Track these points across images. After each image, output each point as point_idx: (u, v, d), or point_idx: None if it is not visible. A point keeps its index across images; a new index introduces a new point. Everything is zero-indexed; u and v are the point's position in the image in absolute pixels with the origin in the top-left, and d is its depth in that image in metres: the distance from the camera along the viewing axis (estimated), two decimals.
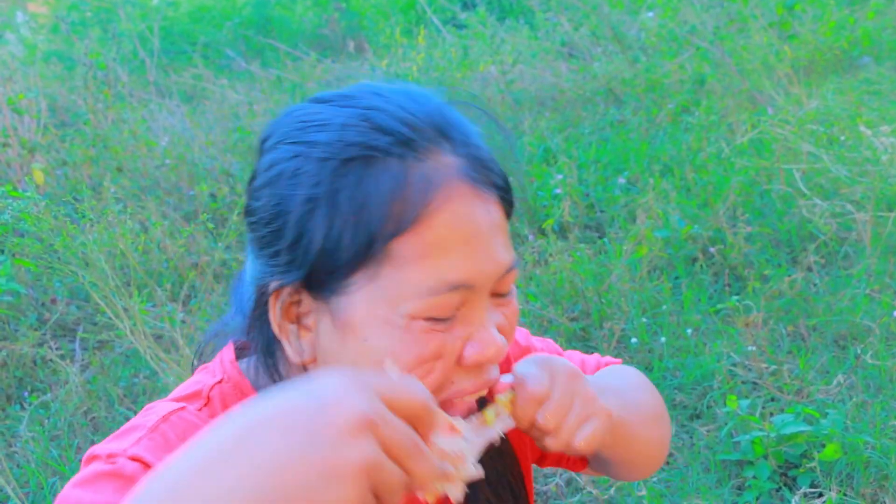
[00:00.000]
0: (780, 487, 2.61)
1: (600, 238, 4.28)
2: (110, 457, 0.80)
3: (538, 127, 5.68)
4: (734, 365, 3.14)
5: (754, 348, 3.13)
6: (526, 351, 1.12)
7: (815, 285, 3.60)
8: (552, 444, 0.88)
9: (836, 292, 3.46)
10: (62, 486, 0.84)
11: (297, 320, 0.84)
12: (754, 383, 3.07)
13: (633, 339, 3.39)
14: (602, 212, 4.56)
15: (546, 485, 2.72)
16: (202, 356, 1.02)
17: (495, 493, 1.02)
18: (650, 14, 6.84)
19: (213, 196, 5.07)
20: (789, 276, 3.57)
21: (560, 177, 4.54)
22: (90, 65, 6.03)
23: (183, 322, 3.41)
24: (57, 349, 3.72)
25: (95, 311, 3.55)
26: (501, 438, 1.04)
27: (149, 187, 5.37)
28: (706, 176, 4.47)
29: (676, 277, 3.85)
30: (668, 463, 2.79)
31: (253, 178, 0.88)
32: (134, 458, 0.80)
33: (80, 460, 1.89)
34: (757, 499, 2.57)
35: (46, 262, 3.09)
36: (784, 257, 3.90)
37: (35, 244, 3.05)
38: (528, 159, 5.15)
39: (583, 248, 3.95)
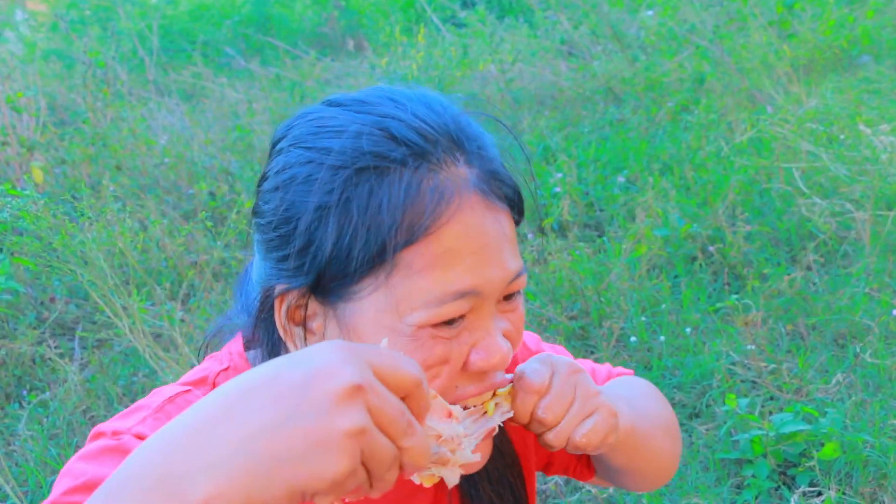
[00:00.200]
0: (779, 486, 2.61)
1: (599, 237, 4.28)
2: (115, 433, 0.83)
3: (537, 126, 5.68)
4: (733, 364, 3.14)
5: (753, 347, 3.13)
6: (534, 354, 1.12)
7: (814, 284, 3.60)
8: (553, 439, 0.88)
9: (836, 291, 3.46)
10: None
11: (303, 323, 0.85)
12: (753, 382, 3.07)
13: (633, 338, 3.39)
14: (601, 210, 4.56)
15: (545, 483, 2.72)
16: (207, 350, 1.03)
17: (496, 492, 1.02)
18: (650, 12, 6.83)
19: (212, 194, 5.07)
20: (788, 274, 3.57)
21: (559, 175, 4.54)
22: (89, 63, 6.02)
23: (182, 321, 3.40)
24: (56, 348, 3.72)
25: (94, 309, 3.55)
26: (503, 439, 1.04)
27: (148, 186, 5.37)
28: (705, 175, 4.47)
29: (676, 276, 3.85)
30: None
31: (263, 179, 0.88)
32: (138, 437, 0.82)
33: None
34: (756, 497, 2.57)
35: (45, 260, 3.08)
36: (783, 256, 3.90)
37: (34, 243, 3.04)
38: (526, 158, 5.14)
39: (582, 247, 3.95)
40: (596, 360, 3.24)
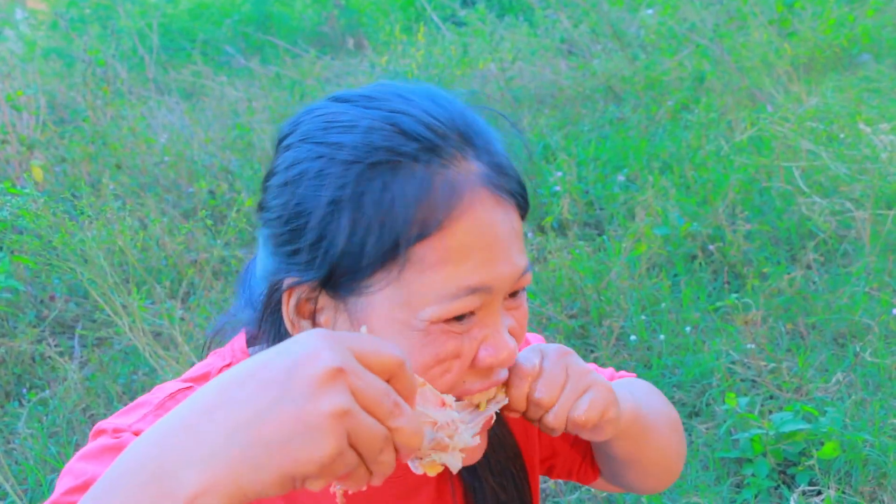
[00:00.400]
0: (779, 485, 2.61)
1: (599, 235, 4.28)
2: (116, 431, 0.83)
3: (537, 124, 5.68)
4: (733, 363, 3.14)
5: (753, 346, 3.13)
6: None
7: (814, 283, 3.60)
8: (553, 420, 0.89)
9: (836, 290, 3.46)
10: None
11: (311, 317, 0.85)
12: (753, 381, 3.07)
13: (632, 337, 3.39)
14: (601, 209, 4.56)
15: (545, 483, 2.72)
16: (210, 347, 1.03)
17: (499, 483, 1.03)
18: (650, 11, 6.83)
19: (211, 193, 5.07)
20: (788, 273, 3.57)
21: (559, 174, 4.53)
22: (89, 61, 6.02)
23: (182, 319, 3.41)
24: (56, 346, 3.72)
25: (94, 308, 3.55)
26: (504, 432, 1.05)
27: (148, 184, 5.37)
28: (705, 173, 4.46)
29: (675, 275, 3.85)
30: None
31: (271, 175, 0.88)
32: (139, 434, 0.81)
33: None
34: (755, 496, 2.57)
35: (45, 258, 3.08)
36: (783, 255, 3.90)
37: (34, 241, 3.04)
38: (527, 157, 5.14)
39: (582, 246, 3.95)
40: (596, 360, 3.25)
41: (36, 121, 5.64)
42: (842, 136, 4.45)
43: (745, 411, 2.72)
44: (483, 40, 6.88)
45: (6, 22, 10.88)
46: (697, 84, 6.02)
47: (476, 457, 0.87)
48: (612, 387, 0.92)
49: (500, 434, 1.03)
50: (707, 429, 2.90)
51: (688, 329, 3.39)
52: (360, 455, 0.62)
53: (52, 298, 4.18)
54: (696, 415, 3.04)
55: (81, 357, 3.79)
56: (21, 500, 2.74)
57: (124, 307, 3.13)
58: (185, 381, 0.93)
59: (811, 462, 2.53)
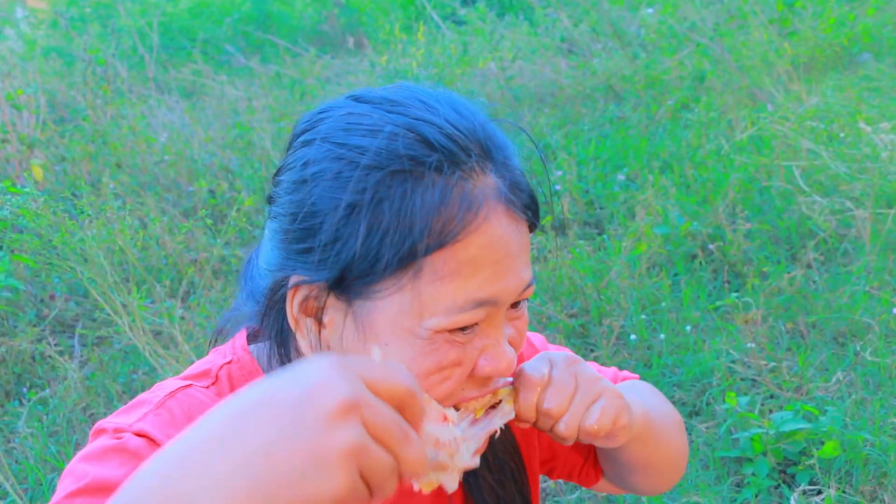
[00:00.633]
0: (779, 484, 2.61)
1: (599, 235, 4.28)
2: (117, 431, 0.83)
3: (537, 123, 5.68)
4: (733, 362, 3.14)
5: (753, 345, 3.13)
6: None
7: (814, 282, 3.60)
8: (564, 430, 0.89)
9: (836, 289, 3.46)
10: None
11: (315, 315, 0.85)
12: (753, 380, 3.07)
13: (632, 336, 3.38)
14: (601, 208, 4.56)
15: (545, 482, 2.72)
16: (215, 343, 1.03)
17: (498, 480, 1.03)
18: (650, 10, 6.83)
19: (211, 192, 5.06)
20: (788, 272, 3.57)
21: (559, 173, 4.53)
22: (89, 61, 6.02)
23: (182, 318, 3.41)
24: (56, 345, 3.72)
25: (94, 307, 3.55)
26: (503, 430, 1.05)
27: (148, 183, 5.37)
28: (706, 173, 4.46)
29: (675, 274, 3.85)
30: None
31: (284, 169, 0.88)
32: (139, 434, 0.83)
33: None
34: (756, 496, 2.57)
35: (45, 258, 3.08)
36: (783, 254, 3.90)
37: (34, 240, 3.04)
38: (528, 156, 5.14)
39: (582, 245, 3.95)
40: (596, 359, 3.25)
41: (36, 120, 5.64)
42: (842, 135, 4.45)
43: (746, 410, 2.72)
44: (483, 39, 6.87)
45: (6, 21, 10.88)
46: (698, 83, 6.02)
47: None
48: (622, 393, 0.92)
49: (499, 431, 1.04)
50: (707, 428, 2.90)
51: (688, 328, 3.39)
52: (367, 484, 0.62)
53: (52, 297, 4.18)
54: (697, 414, 3.03)
55: (81, 356, 3.79)
56: (21, 499, 2.74)
57: (124, 306, 3.13)
58: (185, 378, 0.93)
59: (811, 461, 2.53)
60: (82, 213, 3.05)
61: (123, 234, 3.21)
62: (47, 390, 3.51)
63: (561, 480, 2.69)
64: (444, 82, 6.04)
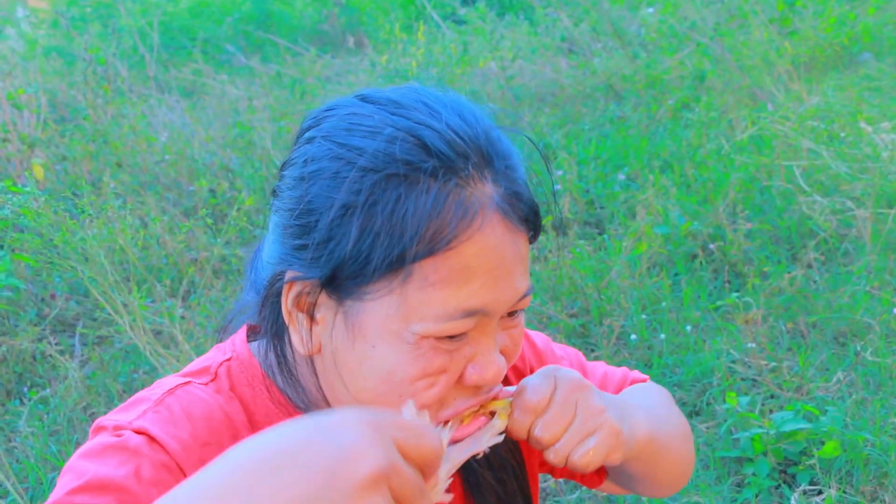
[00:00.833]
0: (780, 485, 2.61)
1: (600, 234, 4.28)
2: (116, 429, 0.83)
3: (538, 123, 5.68)
4: (734, 362, 3.14)
5: (754, 345, 3.13)
6: (541, 354, 1.12)
7: (814, 282, 3.60)
8: (553, 458, 0.88)
9: (836, 289, 3.46)
10: None
11: (308, 311, 0.85)
12: (754, 380, 3.07)
13: (633, 336, 3.38)
14: (602, 208, 4.56)
15: (545, 482, 2.72)
16: (224, 334, 1.03)
17: (498, 478, 1.03)
18: (650, 10, 6.83)
19: (212, 192, 5.06)
20: (789, 272, 3.57)
21: (560, 173, 4.53)
22: (90, 60, 6.02)
23: (182, 318, 3.41)
24: (56, 344, 3.72)
25: (95, 306, 3.55)
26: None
27: (148, 183, 5.37)
28: (706, 172, 4.46)
29: (676, 274, 3.85)
30: None
31: (288, 164, 0.89)
32: (139, 431, 0.83)
33: None
34: (756, 496, 2.57)
35: (46, 257, 3.09)
36: (784, 254, 3.90)
37: (34, 239, 3.04)
38: (528, 156, 5.14)
39: (582, 245, 3.95)
40: (596, 359, 3.25)
41: (37, 119, 5.64)
42: (843, 134, 4.45)
43: (746, 410, 2.72)
44: (483, 39, 6.87)
45: (7, 20, 10.88)
46: (698, 83, 6.02)
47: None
48: (619, 428, 0.90)
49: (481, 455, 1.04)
50: (707, 428, 2.90)
51: (688, 328, 3.39)
52: None
53: (52, 297, 4.18)
54: (697, 414, 3.04)
55: (82, 355, 3.79)
56: (22, 498, 2.74)
57: (125, 306, 3.13)
58: (185, 375, 0.93)
59: (812, 461, 2.53)
60: (83, 212, 3.06)
61: (124, 233, 3.21)
62: (48, 389, 3.51)
63: (561, 480, 2.70)
64: (445, 82, 6.03)
